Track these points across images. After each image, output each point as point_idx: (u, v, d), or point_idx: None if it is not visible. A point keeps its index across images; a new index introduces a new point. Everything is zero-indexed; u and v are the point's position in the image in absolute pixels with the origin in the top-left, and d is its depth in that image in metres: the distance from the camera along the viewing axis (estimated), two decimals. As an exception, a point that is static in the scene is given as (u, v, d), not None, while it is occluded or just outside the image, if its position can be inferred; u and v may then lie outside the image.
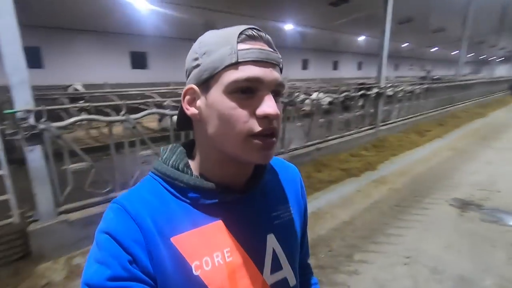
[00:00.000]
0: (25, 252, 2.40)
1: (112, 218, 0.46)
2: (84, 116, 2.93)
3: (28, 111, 2.20)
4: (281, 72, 0.49)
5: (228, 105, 0.44)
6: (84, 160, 2.58)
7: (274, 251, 0.53)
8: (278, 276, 0.53)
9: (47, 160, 2.38)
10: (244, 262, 0.49)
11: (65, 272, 2.32)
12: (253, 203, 0.53)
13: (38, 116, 2.26)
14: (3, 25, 2.09)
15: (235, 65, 0.44)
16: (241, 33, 0.45)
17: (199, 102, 0.48)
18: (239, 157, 0.46)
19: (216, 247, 0.48)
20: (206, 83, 0.47)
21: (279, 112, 0.45)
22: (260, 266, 0.51)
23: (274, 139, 0.46)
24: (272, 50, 0.47)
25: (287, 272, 0.55)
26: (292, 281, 0.55)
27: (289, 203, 0.59)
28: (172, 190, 0.49)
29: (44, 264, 2.39)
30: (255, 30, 0.46)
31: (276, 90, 0.46)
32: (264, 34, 0.47)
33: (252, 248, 0.51)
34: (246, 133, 0.44)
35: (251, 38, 0.45)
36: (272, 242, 0.53)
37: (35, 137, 2.27)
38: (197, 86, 0.48)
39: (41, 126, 2.24)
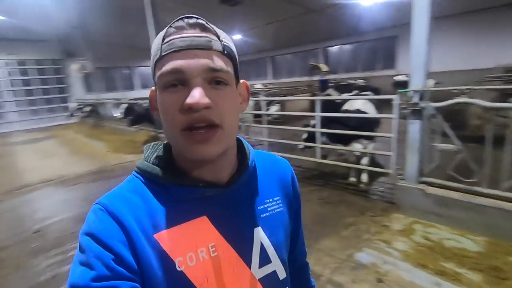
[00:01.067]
0: (392, 199, 3.22)
1: (94, 219, 0.46)
2: (460, 99, 2.71)
3: (415, 91, 2.67)
4: (227, 55, 0.46)
5: (162, 101, 0.45)
6: (453, 143, 2.64)
7: (262, 244, 0.52)
8: (267, 269, 0.53)
9: (422, 134, 2.78)
10: (230, 256, 0.49)
11: (402, 227, 2.77)
12: (238, 197, 0.52)
13: (422, 96, 2.66)
14: (417, 19, 2.61)
15: (160, 60, 0.45)
16: (169, 26, 0.45)
17: (157, 100, 0.50)
18: (184, 153, 0.47)
19: (200, 243, 0.47)
20: (155, 84, 0.48)
21: (204, 102, 0.42)
22: (247, 260, 0.50)
23: (208, 131, 0.44)
24: (201, 35, 0.44)
25: (276, 265, 0.54)
26: (282, 274, 0.55)
27: (278, 196, 0.58)
28: (154, 187, 0.49)
29: (396, 214, 3.02)
30: (184, 19, 0.45)
31: (212, 77, 0.44)
32: (194, 20, 0.45)
33: (238, 242, 0.50)
34: (177, 127, 0.44)
35: (177, 28, 0.45)
36: (259, 235, 0.52)
37: (416, 113, 2.73)
38: (155, 88, 0.50)
39: (422, 104, 2.64)
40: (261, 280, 0.51)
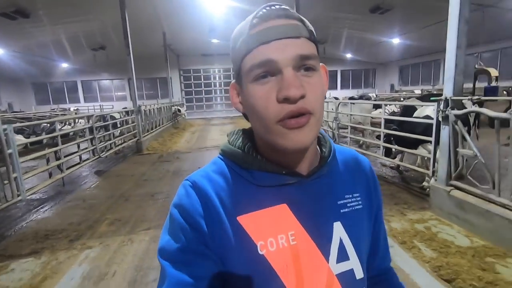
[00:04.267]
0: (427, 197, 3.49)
1: (184, 194, 0.49)
2: (472, 108, 2.63)
3: (444, 100, 3.00)
4: (312, 40, 0.45)
5: (253, 94, 0.44)
6: (472, 149, 2.80)
7: (341, 240, 0.51)
8: (345, 266, 0.50)
9: (450, 139, 3.04)
10: (309, 247, 0.48)
11: (418, 218, 3.14)
12: (318, 189, 0.51)
13: (448, 103, 2.96)
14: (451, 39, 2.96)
15: (250, 52, 0.44)
16: (254, 17, 0.44)
17: (240, 97, 0.50)
18: (276, 146, 0.46)
19: (280, 230, 0.47)
20: (239, 77, 0.48)
21: (301, 92, 0.41)
22: (325, 253, 0.49)
23: (301, 118, 0.43)
24: (288, 23, 0.44)
25: (354, 264, 0.51)
26: (359, 273, 0.52)
27: (358, 192, 0.56)
28: (238, 171, 0.50)
29: (424, 210, 3.35)
30: (267, 8, 0.44)
31: (302, 64, 0.43)
32: (278, 9, 0.44)
33: (318, 234, 0.49)
34: (273, 120, 0.43)
35: (262, 19, 0.44)
36: (339, 230, 0.51)
37: (445, 119, 3.04)
38: (236, 81, 0.50)
39: (447, 112, 2.95)
40: (338, 276, 0.49)
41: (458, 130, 2.93)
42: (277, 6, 0.45)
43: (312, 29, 0.47)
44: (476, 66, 9.87)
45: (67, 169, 4.65)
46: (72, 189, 4.89)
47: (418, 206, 3.52)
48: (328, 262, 0.49)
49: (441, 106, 3.03)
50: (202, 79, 20.78)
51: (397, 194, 3.97)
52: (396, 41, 14.44)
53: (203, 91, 20.88)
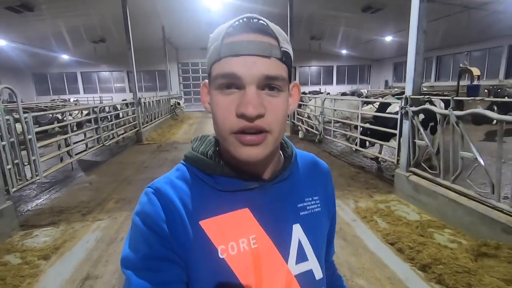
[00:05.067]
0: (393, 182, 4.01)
1: (146, 201, 0.49)
2: (426, 106, 2.62)
3: (404, 98, 3.50)
4: (283, 61, 0.46)
5: (215, 101, 0.46)
6: (424, 140, 3.31)
7: (299, 241, 0.52)
8: (303, 267, 0.52)
9: (409, 132, 3.55)
10: (269, 249, 0.49)
11: (381, 198, 3.67)
12: (279, 193, 0.53)
13: (407, 101, 3.46)
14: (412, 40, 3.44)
15: (219, 61, 0.44)
16: (230, 26, 0.44)
17: (209, 97, 0.50)
18: (230, 153, 0.47)
19: (242, 234, 0.49)
20: (209, 79, 0.49)
21: (258, 111, 0.42)
22: (285, 255, 0.51)
23: (258, 135, 0.44)
24: (261, 40, 0.44)
25: (313, 264, 0.53)
26: (318, 274, 0.54)
27: (317, 195, 0.58)
28: (201, 176, 0.51)
29: (389, 194, 3.88)
30: (245, 20, 0.44)
31: (267, 84, 0.44)
32: (255, 23, 0.44)
33: (278, 237, 0.51)
34: (228, 130, 0.44)
35: (237, 30, 0.44)
36: (298, 232, 0.53)
37: (406, 115, 3.54)
38: (208, 82, 0.49)
39: (406, 108, 3.45)
40: (297, 276, 0.51)
41: (415, 124, 3.43)
42: (255, 20, 0.44)
43: (288, 49, 0.47)
44: (461, 65, 10.34)
45: (75, 155, 5.12)
46: (79, 174, 5.37)
47: (385, 190, 4.04)
48: (287, 264, 0.50)
49: (402, 104, 3.52)
50: (200, 73, 21.10)
51: (370, 181, 4.49)
52: (388, 39, 14.86)
53: (201, 84, 21.26)
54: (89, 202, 3.97)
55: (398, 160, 3.93)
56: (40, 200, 4.11)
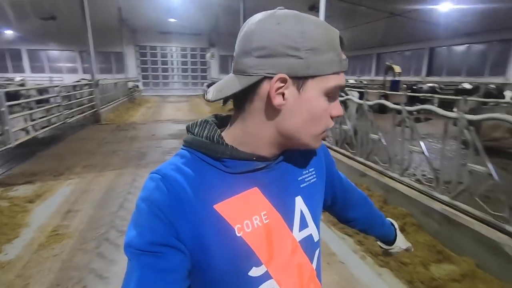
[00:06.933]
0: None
1: (152, 187, 0.49)
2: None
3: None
4: None
5: (322, 106, 0.50)
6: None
7: (301, 211, 0.58)
8: (305, 233, 0.58)
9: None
10: (278, 222, 0.54)
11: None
12: (282, 170, 0.57)
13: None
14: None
15: (337, 73, 0.49)
16: (340, 43, 0.49)
17: (287, 93, 0.48)
18: (306, 145, 0.53)
19: (254, 211, 0.52)
20: (303, 79, 0.48)
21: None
22: (290, 225, 0.56)
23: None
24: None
25: (312, 229, 0.60)
26: (316, 236, 0.61)
27: (312, 167, 0.64)
28: (209, 161, 0.52)
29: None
30: (342, 38, 0.50)
31: None
32: (343, 41, 0.50)
33: (284, 210, 0.55)
34: (323, 128, 0.52)
35: (342, 45, 0.50)
36: (299, 203, 0.58)
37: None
38: (289, 76, 0.48)
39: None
40: (300, 242, 0.57)
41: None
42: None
43: None
44: (387, 63, 12.25)
45: (41, 129, 5.63)
46: (45, 147, 5.86)
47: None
48: (292, 232, 0.56)
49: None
50: (159, 57, 21.08)
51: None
52: (335, 35, 16.51)
53: (160, 68, 21.17)
54: (58, 167, 4.63)
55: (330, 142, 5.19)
56: (9, 167, 4.65)
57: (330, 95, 0.49)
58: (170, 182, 0.48)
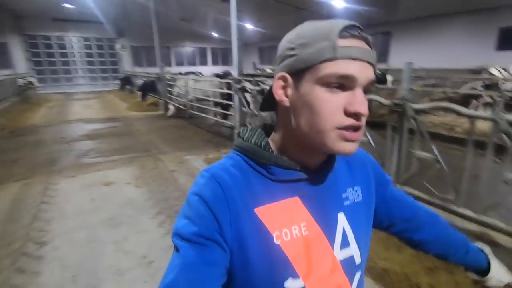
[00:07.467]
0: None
1: (204, 184, 0.52)
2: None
3: (233, 79, 5.01)
4: (374, 70, 0.50)
5: (319, 96, 0.47)
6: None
7: (344, 229, 0.57)
8: (346, 253, 0.56)
9: (239, 103, 5.12)
10: (318, 236, 0.53)
11: (225, 150, 5.18)
12: (325, 183, 0.56)
13: (237, 81, 4.99)
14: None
15: (333, 60, 0.46)
16: (342, 29, 0.47)
17: (289, 91, 0.51)
18: (324, 147, 0.49)
19: (294, 221, 0.52)
20: (299, 74, 0.49)
21: (367, 111, 0.47)
22: (331, 241, 0.54)
23: (358, 133, 0.48)
24: (370, 50, 0.48)
25: (354, 250, 0.57)
26: (358, 259, 0.58)
27: (358, 185, 0.62)
28: (254, 165, 0.54)
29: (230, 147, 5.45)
30: (356, 28, 0.48)
31: (367, 87, 0.49)
32: (363, 32, 0.48)
33: (325, 224, 0.54)
34: (334, 125, 0.47)
35: (352, 35, 0.47)
36: (342, 220, 0.57)
37: (235, 91, 5.07)
38: (289, 75, 0.51)
39: (236, 86, 4.97)
40: (341, 262, 0.55)
41: (240, 97, 5.02)
42: (363, 31, 0.48)
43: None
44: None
45: None
46: None
47: (229, 146, 5.59)
48: (333, 250, 0.54)
49: (233, 83, 5.04)
50: (56, 48, 18.18)
51: (222, 142, 5.98)
52: (250, 26, 17.13)
53: (59, 62, 18.29)
54: None
55: (236, 124, 5.55)
56: None
57: (332, 84, 0.47)
58: (218, 180, 0.51)
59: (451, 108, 2.22)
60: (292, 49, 0.49)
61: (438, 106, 2.45)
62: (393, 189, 0.72)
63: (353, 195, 0.61)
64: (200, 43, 22.79)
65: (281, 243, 0.50)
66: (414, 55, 12.59)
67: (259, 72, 14.52)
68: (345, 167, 0.62)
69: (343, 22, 0.47)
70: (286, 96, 0.52)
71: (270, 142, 0.57)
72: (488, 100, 6.72)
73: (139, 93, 10.82)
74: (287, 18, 14.32)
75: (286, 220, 0.51)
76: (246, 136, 0.58)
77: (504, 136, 1.88)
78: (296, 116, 0.51)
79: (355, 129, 0.48)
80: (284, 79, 0.51)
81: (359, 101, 0.46)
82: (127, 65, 19.17)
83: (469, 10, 10.78)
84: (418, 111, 2.33)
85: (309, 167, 0.55)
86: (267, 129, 0.60)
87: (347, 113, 0.47)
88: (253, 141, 0.56)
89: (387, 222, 0.71)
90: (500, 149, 2.03)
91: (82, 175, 4.22)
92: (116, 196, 3.56)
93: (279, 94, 0.52)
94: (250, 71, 17.99)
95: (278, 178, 0.53)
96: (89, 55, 19.15)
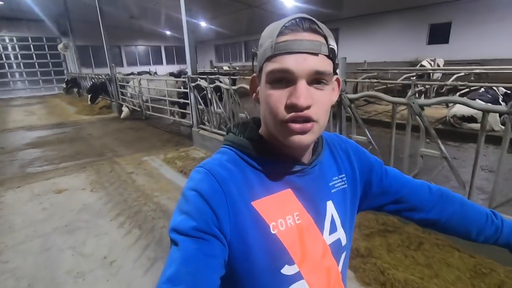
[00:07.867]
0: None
1: (200, 179, 0.52)
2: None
3: (188, 77, 5.03)
4: (330, 58, 0.50)
5: (267, 93, 0.51)
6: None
7: (332, 216, 0.61)
8: (334, 237, 0.61)
9: (195, 102, 5.16)
10: (309, 224, 0.57)
11: (184, 149, 5.21)
12: (314, 174, 0.60)
13: (189, 79, 5.04)
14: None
15: (272, 57, 0.49)
16: (283, 26, 0.48)
17: (258, 89, 0.56)
18: (281, 140, 0.52)
19: (287, 211, 0.55)
20: (259, 73, 0.54)
21: (307, 103, 0.47)
22: (321, 228, 0.59)
23: (307, 124, 0.49)
24: (313, 39, 0.48)
25: (341, 234, 0.62)
26: (344, 241, 0.63)
27: (343, 173, 0.66)
28: (248, 160, 0.56)
29: (191, 146, 5.48)
30: (297, 19, 0.48)
31: (315, 78, 0.49)
32: (307, 22, 0.48)
33: (316, 213, 0.58)
34: (279, 119, 0.50)
35: (291, 29, 0.48)
36: (330, 208, 0.61)
37: (190, 89, 5.11)
38: (257, 75, 0.55)
39: (189, 84, 5.00)
40: (330, 245, 0.59)
41: (196, 95, 5.07)
42: (307, 19, 0.49)
43: (334, 46, 0.51)
44: (253, 50, 13.77)
45: None
46: None
47: (189, 144, 5.62)
48: (322, 235, 0.59)
49: (187, 81, 5.07)
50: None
51: (181, 141, 5.96)
52: (203, 24, 16.95)
53: (251, 77, 16.03)
54: None
55: (193, 122, 5.57)
56: None
57: (274, 82, 0.49)
58: (214, 175, 0.52)
59: (376, 96, 2.56)
60: (257, 52, 0.54)
61: (366, 95, 2.80)
62: (386, 169, 0.71)
63: (339, 182, 0.64)
64: (153, 41, 21.96)
65: (277, 233, 0.53)
66: (359, 50, 13.61)
67: (216, 70, 14.54)
68: (331, 156, 0.66)
69: (289, 18, 0.49)
70: (257, 94, 0.57)
71: (265, 137, 0.59)
72: (421, 88, 7.58)
73: (89, 96, 10.19)
74: (240, 16, 14.49)
75: (280, 211, 0.55)
76: (238, 131, 0.60)
77: (417, 118, 2.24)
78: (261, 111, 0.55)
79: (303, 120, 0.49)
80: (254, 79, 0.58)
81: (298, 94, 0.47)
82: (73, 66, 17.78)
83: (403, 8, 11.93)
84: (352, 100, 2.63)
85: (297, 159, 0.57)
86: (257, 124, 0.62)
87: (287, 106, 0.49)
88: (245, 135, 0.58)
89: (392, 204, 0.70)
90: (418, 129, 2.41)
91: (28, 185, 3.96)
92: (70, 202, 3.44)
93: (251, 89, 0.59)
94: (207, 69, 18.00)
95: (272, 171, 0.56)
96: (27, 56, 17.39)
